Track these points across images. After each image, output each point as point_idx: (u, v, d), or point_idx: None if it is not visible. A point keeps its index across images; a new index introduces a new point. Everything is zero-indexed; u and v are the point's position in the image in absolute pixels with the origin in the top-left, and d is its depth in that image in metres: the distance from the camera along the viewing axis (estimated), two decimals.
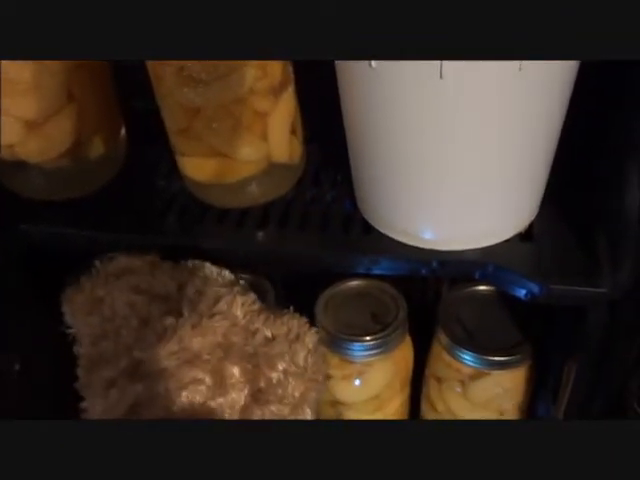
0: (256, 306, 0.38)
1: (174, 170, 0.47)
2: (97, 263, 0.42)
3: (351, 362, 0.49)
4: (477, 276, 0.41)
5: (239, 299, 0.38)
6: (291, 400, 0.36)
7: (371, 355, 0.48)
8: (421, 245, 0.41)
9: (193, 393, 0.35)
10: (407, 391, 0.55)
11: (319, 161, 0.49)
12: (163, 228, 0.45)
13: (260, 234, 0.44)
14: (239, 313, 0.37)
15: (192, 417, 0.35)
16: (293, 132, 0.44)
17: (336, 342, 0.48)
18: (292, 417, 0.36)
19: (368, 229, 0.43)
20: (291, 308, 0.39)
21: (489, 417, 0.51)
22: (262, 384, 0.36)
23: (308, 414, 0.37)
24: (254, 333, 0.37)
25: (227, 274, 0.40)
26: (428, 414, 0.55)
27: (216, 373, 0.35)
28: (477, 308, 0.51)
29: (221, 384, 0.35)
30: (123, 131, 0.49)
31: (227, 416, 0.36)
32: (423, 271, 0.42)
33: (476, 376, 0.49)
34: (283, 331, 0.37)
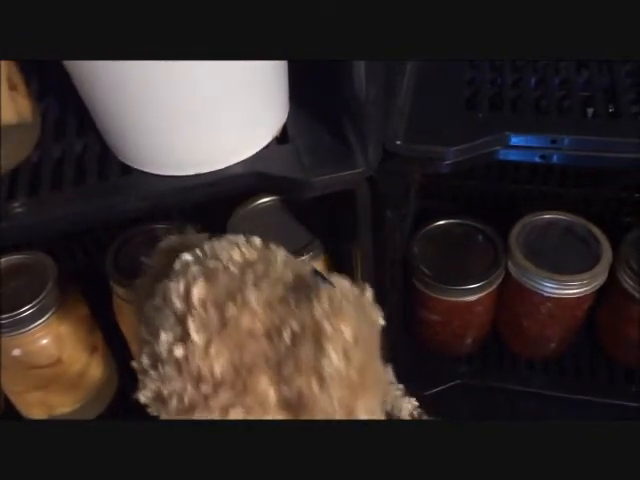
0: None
1: None
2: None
3: None
4: (246, 189, 0.42)
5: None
6: None
7: None
8: (185, 172, 0.41)
9: None
10: None
11: (59, 113, 0.45)
12: None
13: (13, 206, 0.40)
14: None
15: None
16: (13, 88, 0.40)
17: None
18: None
19: (127, 170, 0.42)
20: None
21: None
22: None
23: None
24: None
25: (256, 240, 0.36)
26: None
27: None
28: (263, 220, 0.52)
29: None
30: None
31: None
32: (195, 198, 0.42)
33: None
34: None
